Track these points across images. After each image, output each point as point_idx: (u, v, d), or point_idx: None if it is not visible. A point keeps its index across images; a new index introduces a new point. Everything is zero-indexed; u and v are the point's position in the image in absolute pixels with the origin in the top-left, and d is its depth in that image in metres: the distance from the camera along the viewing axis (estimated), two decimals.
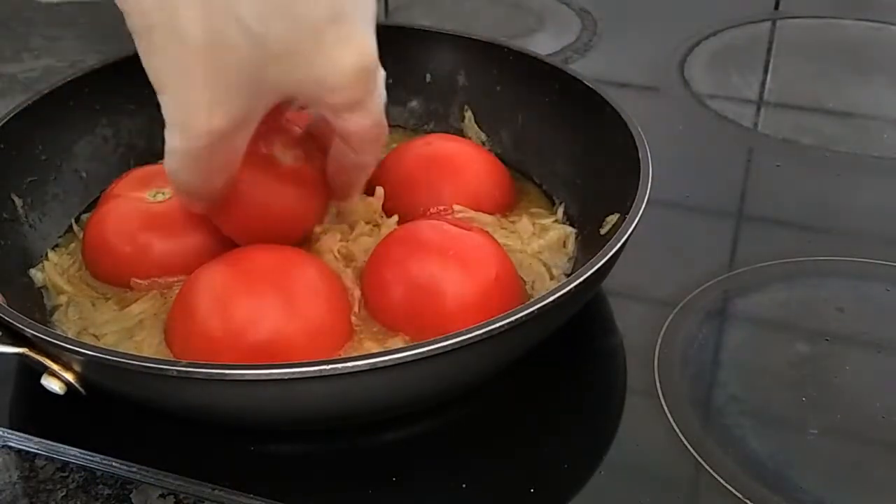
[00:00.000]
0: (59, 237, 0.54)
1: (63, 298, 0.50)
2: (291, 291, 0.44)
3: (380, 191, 0.54)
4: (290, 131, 0.48)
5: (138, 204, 0.51)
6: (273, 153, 0.47)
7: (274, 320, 0.43)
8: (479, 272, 0.46)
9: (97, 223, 0.51)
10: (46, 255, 0.52)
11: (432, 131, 0.63)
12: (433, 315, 0.45)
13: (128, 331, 0.47)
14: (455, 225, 0.48)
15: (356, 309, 0.47)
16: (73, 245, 0.54)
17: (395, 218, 0.53)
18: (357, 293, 0.48)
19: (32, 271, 0.51)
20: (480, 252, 0.47)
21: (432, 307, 0.45)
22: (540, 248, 0.52)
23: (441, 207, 0.54)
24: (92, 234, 0.51)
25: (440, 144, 0.58)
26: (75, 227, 0.55)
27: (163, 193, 0.51)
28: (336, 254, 0.50)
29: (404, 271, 0.46)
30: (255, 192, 0.47)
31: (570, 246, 0.53)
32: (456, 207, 0.54)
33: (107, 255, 0.50)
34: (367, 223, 0.52)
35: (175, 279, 0.49)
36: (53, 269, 0.51)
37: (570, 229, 0.54)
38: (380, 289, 0.47)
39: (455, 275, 0.45)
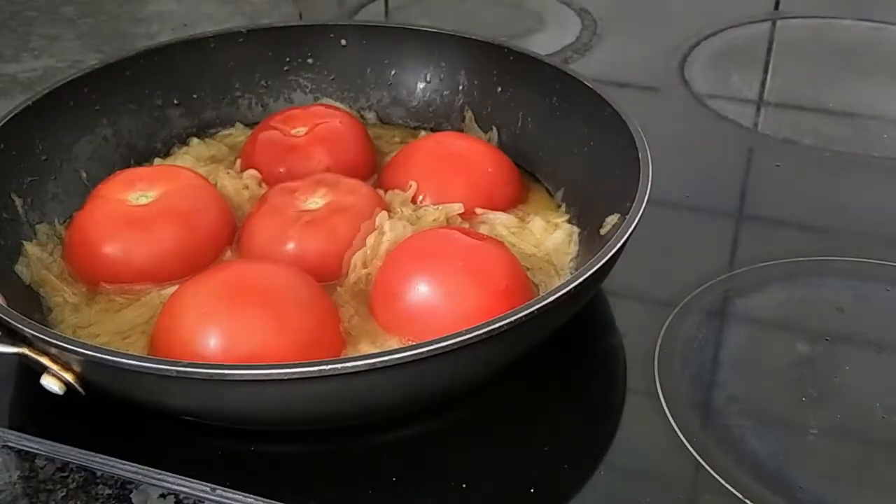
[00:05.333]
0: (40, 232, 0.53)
1: (59, 300, 0.50)
2: (279, 305, 0.44)
3: (413, 185, 0.54)
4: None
5: (119, 206, 0.51)
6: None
7: (262, 335, 0.43)
8: (489, 283, 0.46)
9: (77, 223, 0.51)
10: (25, 249, 0.51)
11: (433, 130, 0.64)
12: (440, 326, 0.44)
13: (121, 334, 0.47)
14: (468, 235, 0.48)
15: (346, 319, 0.47)
16: (52, 244, 0.53)
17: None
18: (349, 306, 0.48)
19: (18, 268, 0.50)
20: (491, 263, 0.47)
21: (439, 318, 0.45)
22: (547, 250, 0.52)
23: (462, 210, 0.54)
24: (72, 234, 0.52)
25: (450, 142, 0.58)
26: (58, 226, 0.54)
27: (146, 196, 0.51)
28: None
29: (413, 281, 0.46)
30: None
31: (572, 246, 0.53)
32: (477, 210, 0.54)
33: (82, 255, 0.50)
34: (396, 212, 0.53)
35: (142, 287, 0.49)
36: (38, 264, 0.51)
37: (574, 228, 0.54)
38: (388, 297, 0.47)
39: (463, 286, 0.45)
